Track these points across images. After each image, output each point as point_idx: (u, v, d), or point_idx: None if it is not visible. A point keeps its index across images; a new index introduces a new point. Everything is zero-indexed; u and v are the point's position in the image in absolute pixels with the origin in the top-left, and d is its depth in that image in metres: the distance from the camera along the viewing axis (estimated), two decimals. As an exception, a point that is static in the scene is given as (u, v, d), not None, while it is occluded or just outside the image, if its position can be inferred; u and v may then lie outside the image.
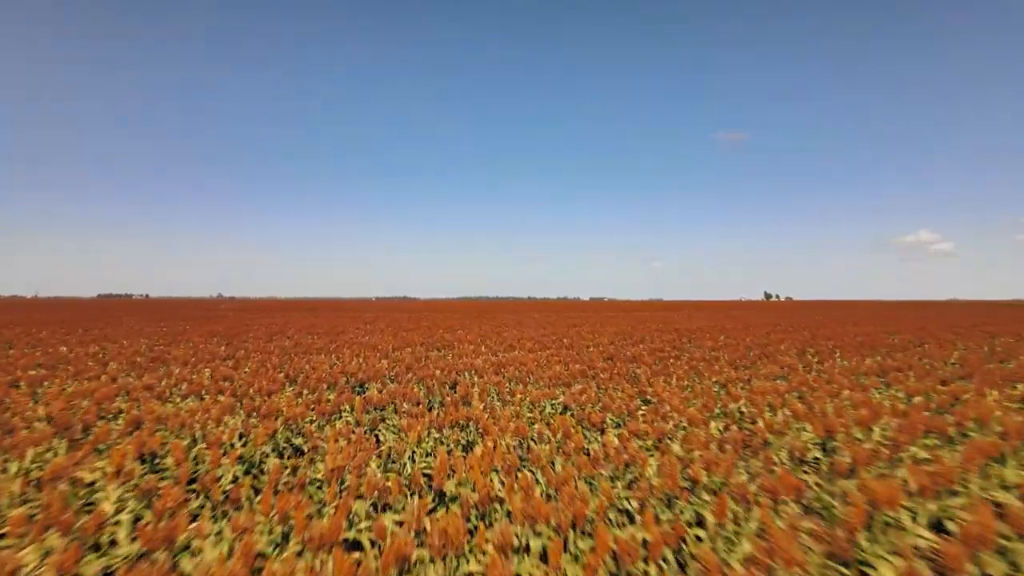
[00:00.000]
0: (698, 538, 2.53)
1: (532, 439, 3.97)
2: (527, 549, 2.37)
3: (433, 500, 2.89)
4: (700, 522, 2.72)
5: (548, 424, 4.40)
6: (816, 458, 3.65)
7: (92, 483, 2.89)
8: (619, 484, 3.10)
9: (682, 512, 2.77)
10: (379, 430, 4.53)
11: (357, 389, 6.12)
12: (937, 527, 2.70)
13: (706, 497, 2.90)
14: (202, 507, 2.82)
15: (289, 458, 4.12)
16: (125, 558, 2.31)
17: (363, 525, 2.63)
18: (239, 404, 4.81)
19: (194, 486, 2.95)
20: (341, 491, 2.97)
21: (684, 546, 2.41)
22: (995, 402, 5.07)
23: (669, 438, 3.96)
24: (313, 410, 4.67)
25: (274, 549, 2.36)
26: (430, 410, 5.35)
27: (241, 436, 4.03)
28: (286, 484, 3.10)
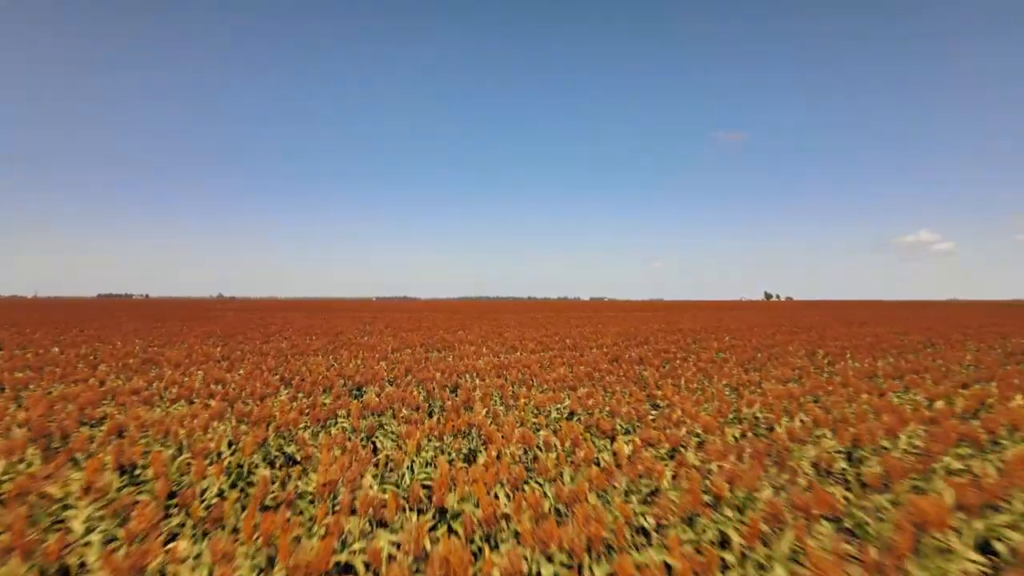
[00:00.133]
0: (724, 563, 2.30)
1: (538, 447, 3.75)
2: (538, 576, 2.14)
3: (434, 517, 2.66)
4: (725, 542, 2.50)
5: (555, 431, 4.17)
6: (843, 469, 3.42)
7: (63, 498, 2.66)
8: (634, 499, 2.87)
9: (704, 531, 2.54)
10: (376, 437, 4.30)
11: (354, 392, 5.90)
12: (984, 548, 2.48)
13: (729, 513, 2.67)
14: (182, 525, 2.59)
15: (282, 467, 3.90)
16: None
17: (357, 547, 2.40)
18: (230, 409, 4.58)
19: (175, 501, 2.72)
20: (334, 507, 2.74)
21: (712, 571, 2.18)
22: (1022, 407, 4.84)
23: (683, 446, 3.73)
24: (307, 415, 4.44)
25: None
26: (430, 415, 5.13)
27: (231, 444, 3.81)
28: (274, 498, 2.87)
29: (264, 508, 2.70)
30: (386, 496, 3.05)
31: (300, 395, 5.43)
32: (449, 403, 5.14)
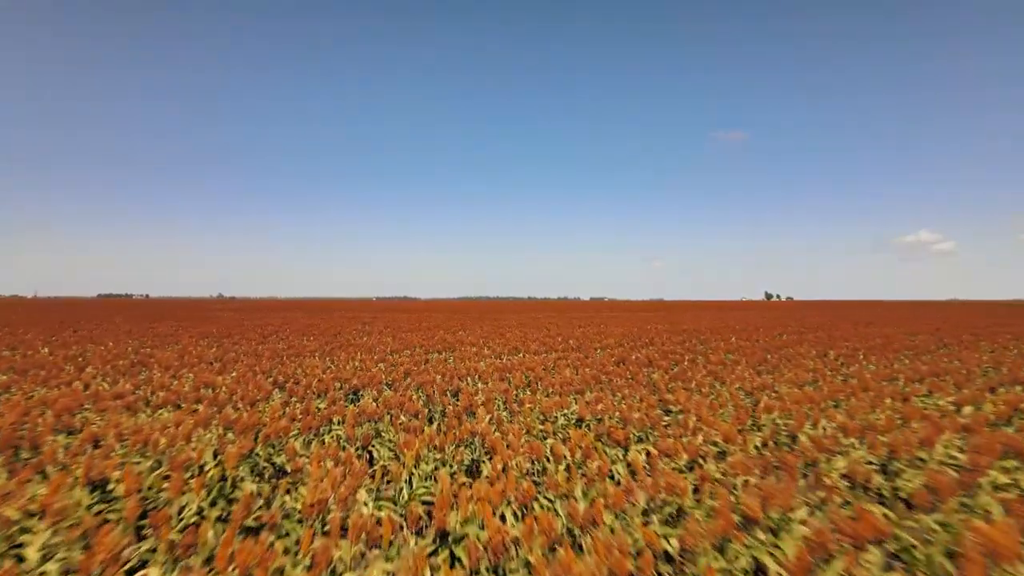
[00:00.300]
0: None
1: (547, 457, 3.47)
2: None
3: (434, 541, 2.39)
4: (761, 571, 2.23)
5: (564, 440, 3.90)
6: (880, 484, 3.14)
7: (19, 520, 2.39)
8: (655, 518, 2.60)
9: (737, 557, 2.27)
10: (373, 445, 4.03)
11: (350, 397, 5.63)
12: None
13: (762, 536, 2.40)
14: (153, 550, 2.32)
15: (271, 478, 3.63)
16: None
17: (347, 577, 2.13)
18: (217, 415, 4.31)
19: (146, 521, 2.45)
20: (323, 529, 2.47)
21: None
22: (1058, 413, 4.57)
23: (702, 457, 3.46)
24: (299, 422, 4.17)
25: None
26: (430, 421, 4.86)
27: (216, 455, 3.53)
28: (258, 518, 2.60)
29: (245, 530, 2.43)
30: (382, 513, 2.79)
31: (293, 400, 5.16)
32: (450, 408, 4.87)
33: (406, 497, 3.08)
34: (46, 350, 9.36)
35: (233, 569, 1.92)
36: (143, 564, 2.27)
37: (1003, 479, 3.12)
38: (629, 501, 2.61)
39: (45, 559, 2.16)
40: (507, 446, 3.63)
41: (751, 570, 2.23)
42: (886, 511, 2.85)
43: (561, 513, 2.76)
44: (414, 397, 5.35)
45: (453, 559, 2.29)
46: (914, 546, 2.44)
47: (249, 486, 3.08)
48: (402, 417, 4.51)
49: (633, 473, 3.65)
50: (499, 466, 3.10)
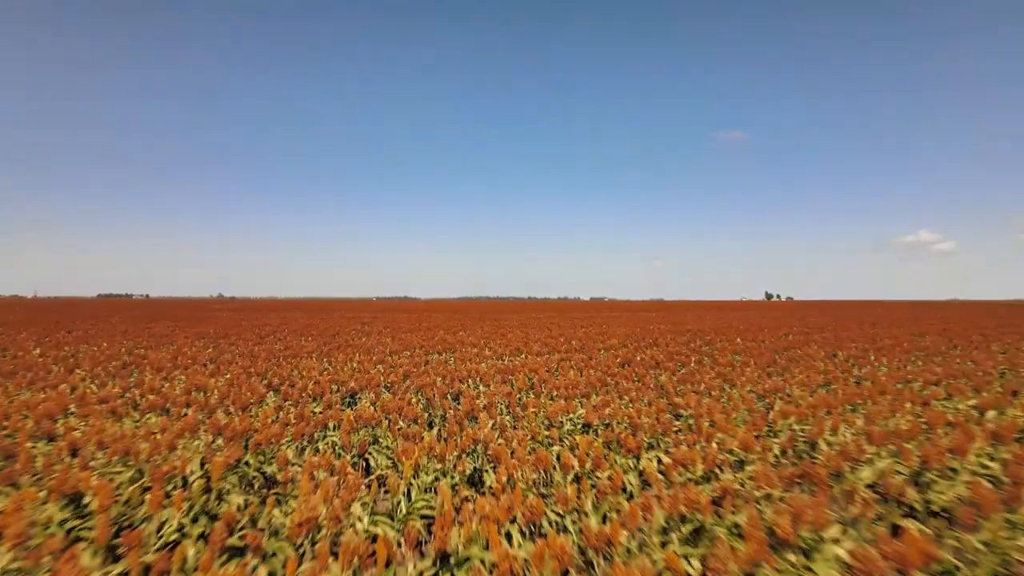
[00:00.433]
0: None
1: (554, 465, 3.26)
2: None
3: (434, 564, 2.18)
4: (795, 599, 2.02)
5: (572, 449, 3.70)
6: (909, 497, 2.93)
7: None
8: (674, 537, 2.39)
9: (769, 584, 2.06)
10: (369, 453, 3.83)
11: (347, 400, 5.42)
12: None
13: (791, 558, 2.19)
14: (126, 575, 2.11)
15: (260, 488, 3.42)
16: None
17: (337, 608, 1.92)
18: (207, 420, 4.10)
19: (119, 541, 2.24)
20: (313, 550, 2.27)
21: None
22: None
23: (719, 467, 3.25)
24: (292, 427, 3.95)
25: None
26: (430, 426, 4.66)
27: (203, 464, 3.32)
28: (242, 536, 2.39)
29: (227, 552, 2.22)
30: (378, 531, 2.59)
31: (288, 403, 4.95)
32: (451, 412, 4.67)
33: (404, 511, 2.87)
34: (37, 351, 9.15)
35: (209, 601, 1.72)
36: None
37: (1044, 492, 2.90)
38: (645, 517, 2.40)
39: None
40: (511, 454, 3.43)
41: (784, 598, 2.03)
42: (922, 527, 2.65)
43: (572, 530, 2.56)
44: (413, 400, 5.14)
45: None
46: (957, 567, 2.23)
47: (236, 499, 2.88)
48: (401, 423, 4.31)
49: (646, 483, 3.44)
50: (504, 477, 2.89)
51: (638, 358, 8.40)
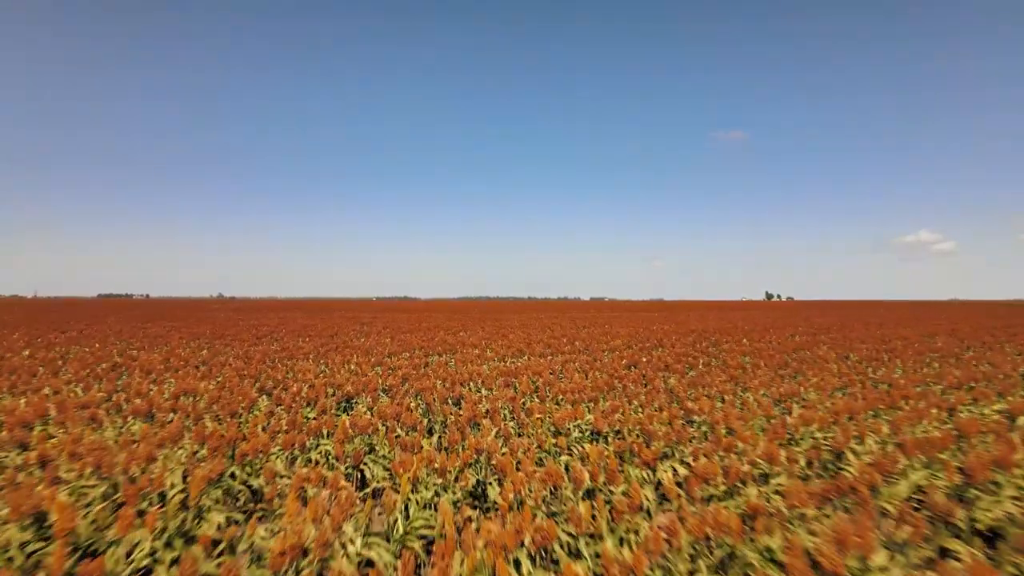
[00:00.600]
0: None
1: (564, 473, 3.00)
2: None
3: (433, 596, 1.93)
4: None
5: (583, 459, 3.45)
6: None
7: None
8: (702, 564, 2.14)
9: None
10: (365, 463, 3.58)
11: (343, 405, 5.17)
12: None
13: (836, 589, 1.94)
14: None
15: (246, 503, 3.18)
16: None
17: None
18: (193, 427, 3.85)
19: (78, 571, 2.00)
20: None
21: None
22: None
23: (742, 481, 3.00)
24: (284, 434, 3.70)
25: None
26: (430, 433, 4.41)
27: (185, 477, 3.07)
28: (220, 563, 2.14)
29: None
30: (372, 555, 2.34)
31: (280, 409, 4.70)
32: (452, 418, 4.42)
33: (401, 530, 2.63)
34: (26, 352, 8.90)
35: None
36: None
37: (1102, 510, 2.66)
38: (670, 542, 2.15)
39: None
40: (517, 465, 3.18)
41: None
42: (972, 550, 2.40)
43: (587, 554, 2.31)
44: (412, 405, 4.89)
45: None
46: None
47: (217, 518, 2.63)
48: (399, 430, 4.06)
49: (663, 497, 3.20)
50: (510, 494, 2.64)
51: (644, 360, 8.16)
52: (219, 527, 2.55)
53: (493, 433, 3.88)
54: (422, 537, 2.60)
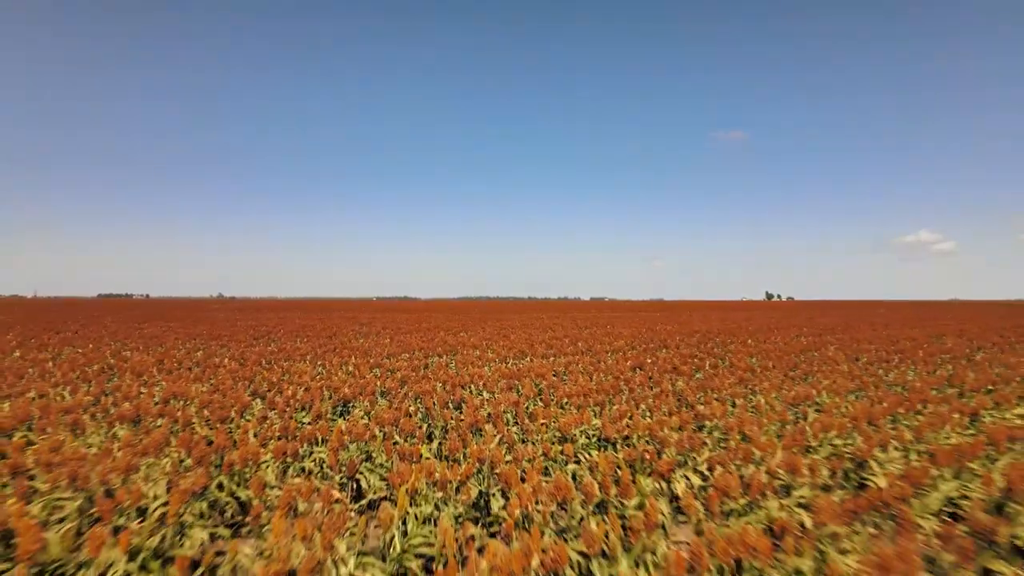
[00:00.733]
0: None
1: (573, 485, 2.81)
2: None
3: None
4: None
5: (591, 468, 3.26)
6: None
7: None
8: (728, 590, 1.95)
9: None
10: (361, 472, 3.38)
11: (339, 409, 4.97)
12: None
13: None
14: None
15: (233, 517, 2.99)
16: None
17: None
18: (180, 433, 3.65)
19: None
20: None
21: None
22: None
23: (763, 493, 2.81)
24: (276, 440, 3.51)
25: None
26: (430, 439, 4.22)
27: (169, 488, 2.88)
28: (200, 589, 1.95)
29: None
30: (366, 577, 2.15)
31: (273, 413, 4.51)
32: (452, 423, 4.23)
33: (398, 548, 2.43)
34: (17, 354, 8.72)
35: None
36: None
37: None
38: (693, 568, 1.96)
39: None
40: (522, 475, 2.98)
41: None
42: (1017, 572, 2.21)
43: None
44: (411, 408, 4.70)
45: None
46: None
47: (199, 535, 2.44)
48: (397, 437, 3.87)
49: (678, 509, 3.01)
50: (516, 509, 2.44)
51: (649, 361, 7.96)
52: (202, 545, 2.36)
53: (496, 440, 3.69)
54: (421, 556, 2.41)
